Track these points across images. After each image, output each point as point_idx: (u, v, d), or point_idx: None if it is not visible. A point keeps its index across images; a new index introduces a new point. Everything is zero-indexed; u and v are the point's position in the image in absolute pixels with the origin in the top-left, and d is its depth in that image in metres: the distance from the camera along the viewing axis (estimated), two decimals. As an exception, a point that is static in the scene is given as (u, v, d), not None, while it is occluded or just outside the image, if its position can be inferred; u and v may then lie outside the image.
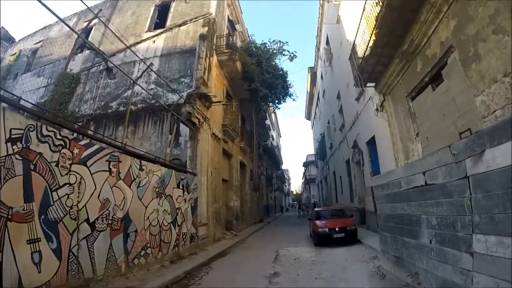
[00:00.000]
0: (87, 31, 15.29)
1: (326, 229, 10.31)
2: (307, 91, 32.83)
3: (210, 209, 11.74)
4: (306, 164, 50.59)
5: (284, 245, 10.96)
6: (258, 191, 23.78)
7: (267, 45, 19.25)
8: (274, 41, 19.74)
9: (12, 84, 15.82)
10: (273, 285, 5.88)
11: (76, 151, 5.46)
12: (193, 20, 14.52)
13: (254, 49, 18.55)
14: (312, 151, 40.69)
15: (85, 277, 5.26)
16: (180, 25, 14.62)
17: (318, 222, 11.02)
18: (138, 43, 14.65)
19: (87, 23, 13.58)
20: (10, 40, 21.09)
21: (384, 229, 5.09)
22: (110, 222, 6.04)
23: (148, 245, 7.31)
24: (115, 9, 16.71)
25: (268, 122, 38.03)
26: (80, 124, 12.43)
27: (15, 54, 18.35)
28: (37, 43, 18.01)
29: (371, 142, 11.86)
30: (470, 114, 5.35)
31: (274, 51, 19.51)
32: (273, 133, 46.20)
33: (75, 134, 6.21)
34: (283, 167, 60.77)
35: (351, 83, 13.66)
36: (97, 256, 5.61)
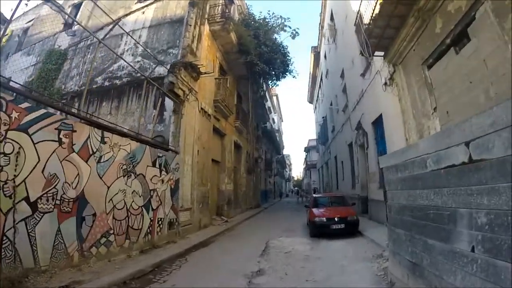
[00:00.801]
0: (77, 6, 15.09)
1: (324, 218, 9.12)
2: (310, 73, 31.34)
3: (195, 192, 10.60)
4: (307, 149, 49.31)
5: (277, 234, 9.87)
6: (254, 175, 22.65)
7: (267, 20, 17.67)
8: (274, 15, 18.15)
9: (3, 65, 15.05)
10: (253, 286, 4.75)
11: (15, 115, 4.46)
12: None
13: (252, 22, 17.01)
14: (314, 135, 39.44)
15: (23, 267, 4.33)
16: None
17: (315, 210, 9.83)
18: (126, 15, 13.50)
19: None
20: (4, 21, 20.10)
21: (396, 224, 3.87)
22: (58, 202, 4.99)
23: (111, 231, 6.23)
24: None
25: (268, 104, 36.76)
26: (63, 101, 11.86)
27: (7, 34, 17.34)
28: (28, 22, 17.29)
29: (378, 122, 10.59)
30: (507, 79, 4.07)
31: (274, 25, 17.96)
32: (274, 116, 44.96)
33: (15, 95, 5.12)
34: (285, 152, 59.79)
35: (356, 59, 12.46)
36: (40, 242, 4.63)
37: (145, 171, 7.67)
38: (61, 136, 5.19)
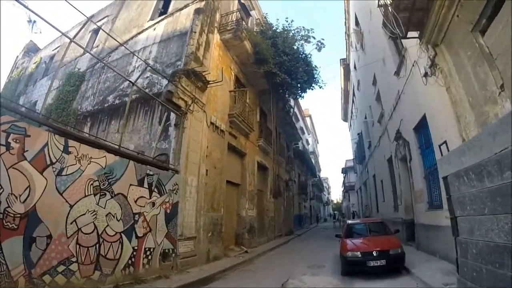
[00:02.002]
0: (96, 31, 15.44)
1: (359, 252, 6.97)
2: (341, 88, 29.47)
3: (202, 219, 9.05)
4: (344, 171, 46.15)
5: (300, 271, 7.97)
6: (285, 199, 20.73)
7: (285, 28, 16.33)
8: (297, 28, 16.68)
9: (31, 90, 16.22)
10: None
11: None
12: (195, 1, 12.52)
13: (270, 31, 15.79)
14: (351, 155, 36.80)
15: None
16: (181, 9, 12.95)
17: (348, 242, 7.65)
18: (139, 33, 13.29)
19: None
20: (36, 50, 21.50)
21: (479, 277, 2.02)
22: (0, 216, 4.14)
23: (74, 259, 5.08)
24: (123, 6, 15.91)
25: (300, 124, 35.16)
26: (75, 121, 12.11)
27: (36, 62, 18.87)
28: (54, 49, 18.23)
29: (421, 127, 8.55)
30: None
31: (295, 34, 16.55)
32: (308, 137, 43.15)
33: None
34: (322, 175, 56.97)
35: (387, 57, 10.87)
36: (-30, 258, 3.79)
37: (126, 191, 6.41)
38: (9, 139, 4.40)
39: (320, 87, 17.48)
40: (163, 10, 14.12)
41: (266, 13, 17.86)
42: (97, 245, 5.53)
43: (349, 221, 10.31)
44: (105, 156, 6.03)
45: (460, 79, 5.55)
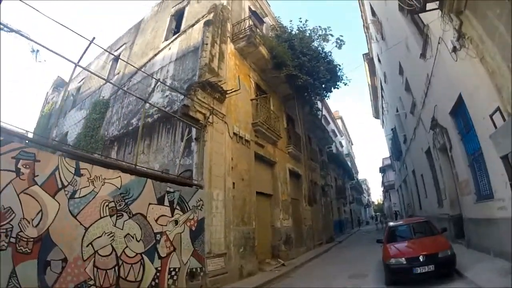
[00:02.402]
0: (116, 59, 15.93)
1: (403, 259, 6.14)
2: (369, 84, 28.27)
3: (232, 234, 8.68)
4: (382, 170, 43.94)
5: (341, 282, 7.40)
6: (323, 205, 19.89)
7: (301, 28, 15.89)
8: (313, 27, 16.19)
9: (62, 121, 16.91)
10: None
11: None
12: (205, 16, 12.61)
13: (285, 34, 15.41)
14: (387, 153, 35.08)
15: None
16: (193, 25, 13.12)
17: (391, 247, 6.83)
18: (156, 54, 13.60)
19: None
20: (63, 85, 22.59)
21: None
22: (13, 240, 4.13)
23: (91, 282, 4.90)
24: (138, 31, 16.54)
25: (331, 127, 34.20)
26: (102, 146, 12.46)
27: (65, 95, 19.87)
28: (80, 81, 19.00)
29: (458, 109, 7.67)
30: None
31: (312, 34, 16.02)
32: (342, 140, 41.87)
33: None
34: (360, 176, 54.87)
35: (410, 40, 10.11)
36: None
37: (146, 210, 6.21)
38: (19, 166, 4.42)
39: (345, 84, 16.70)
40: (176, 29, 14.38)
41: (278, 16, 17.50)
42: (116, 267, 5.34)
43: (391, 223, 9.39)
44: (119, 176, 5.87)
45: (494, 43, 4.81)
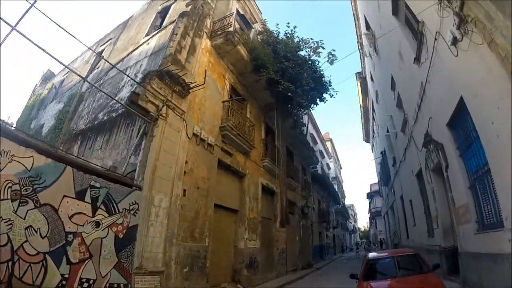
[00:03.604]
0: (100, 52, 15.76)
1: None
2: (360, 106, 27.36)
3: (174, 249, 7.08)
4: (370, 195, 42.69)
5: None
6: (301, 228, 18.28)
7: (288, 34, 14.77)
8: (303, 39, 14.88)
9: (41, 113, 16.47)
10: None
11: None
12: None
13: (271, 39, 14.27)
14: (375, 179, 33.89)
15: None
16: (174, 21, 11.95)
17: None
18: (134, 49, 12.53)
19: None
20: (51, 77, 21.99)
21: None
22: None
23: None
24: (125, 28, 15.88)
25: (319, 147, 33.01)
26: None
27: (48, 88, 19.36)
28: (64, 74, 18.38)
29: (458, 118, 6.33)
30: None
31: (301, 44, 14.87)
32: (330, 162, 40.65)
33: None
34: (347, 201, 53.61)
35: (403, 47, 9.21)
36: None
37: (58, 203, 4.90)
38: None
39: (331, 96, 15.43)
40: (159, 26, 13.33)
41: (265, 19, 16.44)
42: (10, 263, 4.20)
43: (370, 254, 7.63)
44: (32, 156, 4.67)
45: (505, 16, 3.59)
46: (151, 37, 12.04)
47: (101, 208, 5.57)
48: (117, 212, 5.84)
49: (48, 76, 20.69)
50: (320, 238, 25.56)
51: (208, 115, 9.96)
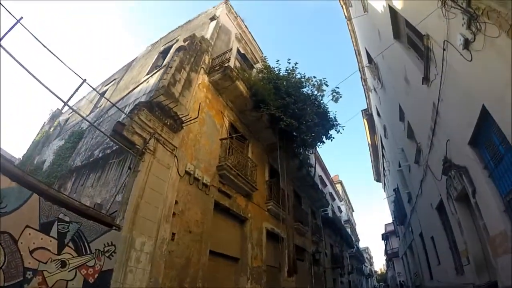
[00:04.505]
0: (103, 92, 16.09)
1: None
2: (369, 144, 26.58)
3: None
4: (385, 237, 40.22)
5: None
6: (311, 275, 16.58)
7: (289, 70, 14.55)
8: (305, 76, 14.45)
9: (45, 150, 16.49)
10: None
11: None
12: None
13: (273, 76, 14.03)
14: (389, 219, 32.20)
15: None
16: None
17: None
18: (134, 88, 12.53)
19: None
20: (59, 115, 22.41)
21: None
22: None
23: None
24: (129, 68, 16.31)
25: (329, 189, 31.78)
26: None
27: (54, 125, 19.74)
28: (70, 113, 18.49)
29: (481, 132, 5.45)
30: None
31: (304, 81, 14.54)
32: (341, 204, 39.04)
33: None
34: (361, 244, 50.71)
35: (409, 71, 8.62)
36: None
37: (19, 233, 4.11)
38: None
39: (337, 132, 14.74)
40: (160, 65, 13.49)
41: (265, 56, 16.43)
42: None
43: None
44: None
45: None
46: (151, 76, 12.01)
47: (69, 246, 4.70)
48: (89, 252, 4.92)
49: (55, 115, 21.08)
50: (335, 285, 23.31)
51: (204, 152, 9.29)
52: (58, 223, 4.64)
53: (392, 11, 8.12)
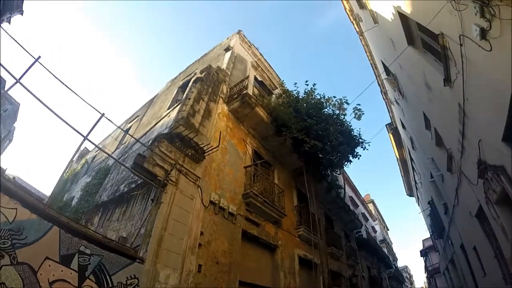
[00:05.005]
0: (127, 129, 16.86)
1: None
2: (397, 159, 25.58)
3: None
4: (424, 253, 37.68)
5: None
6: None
7: (307, 91, 14.57)
8: (325, 97, 14.53)
9: (74, 187, 17.19)
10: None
11: None
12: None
13: (292, 99, 14.07)
14: (426, 234, 30.31)
15: None
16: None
17: None
18: (156, 123, 12.94)
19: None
20: (86, 154, 23.26)
21: None
22: None
23: None
24: (151, 105, 17.01)
25: (362, 210, 30.71)
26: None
27: (82, 163, 20.51)
28: (96, 151, 19.24)
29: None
30: None
31: (323, 102, 14.48)
32: (374, 224, 37.41)
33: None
34: (399, 264, 47.78)
35: (429, 75, 8.29)
36: None
37: (38, 265, 4.16)
38: None
39: (364, 149, 14.36)
40: (180, 99, 13.90)
41: (283, 80, 16.57)
42: None
43: None
44: (16, 209, 4.23)
45: None
46: (172, 110, 12.31)
47: (89, 279, 4.66)
48: (110, 285, 4.86)
49: (83, 153, 22.01)
50: (376, 308, 21.81)
51: (228, 181, 9.25)
52: (79, 256, 4.65)
53: (402, 17, 8.01)
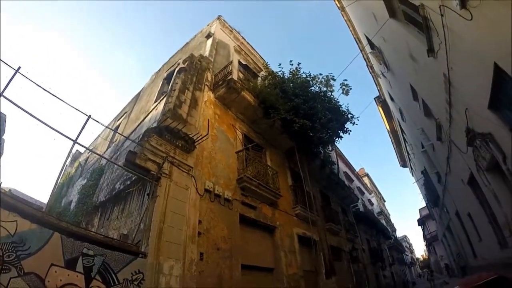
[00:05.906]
0: (117, 126, 16.67)
1: None
2: (388, 131, 25.86)
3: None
4: (421, 222, 38.77)
5: None
6: (351, 274, 16.06)
7: (292, 71, 14.44)
8: (311, 75, 14.35)
9: (70, 191, 16.96)
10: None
11: None
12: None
13: (277, 80, 13.95)
14: (422, 203, 31.13)
15: None
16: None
17: None
18: (145, 118, 12.73)
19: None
20: (79, 156, 23.00)
21: None
22: None
23: None
24: (137, 100, 16.72)
25: (357, 184, 31.15)
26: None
27: (75, 166, 20.24)
28: (89, 152, 18.73)
29: (499, 93, 5.14)
30: None
31: (309, 80, 14.36)
32: (371, 197, 38.09)
33: None
34: (398, 234, 49.20)
35: (412, 45, 8.26)
36: None
37: (45, 272, 4.31)
38: None
39: (353, 124, 14.43)
40: (166, 91, 13.69)
41: (268, 62, 16.37)
42: None
43: None
44: (16, 221, 4.27)
45: None
46: (158, 103, 12.12)
47: (96, 279, 4.74)
48: (117, 283, 4.94)
49: (76, 156, 21.79)
50: (378, 280, 22.43)
51: (221, 168, 9.27)
52: (83, 258, 4.70)
53: None
